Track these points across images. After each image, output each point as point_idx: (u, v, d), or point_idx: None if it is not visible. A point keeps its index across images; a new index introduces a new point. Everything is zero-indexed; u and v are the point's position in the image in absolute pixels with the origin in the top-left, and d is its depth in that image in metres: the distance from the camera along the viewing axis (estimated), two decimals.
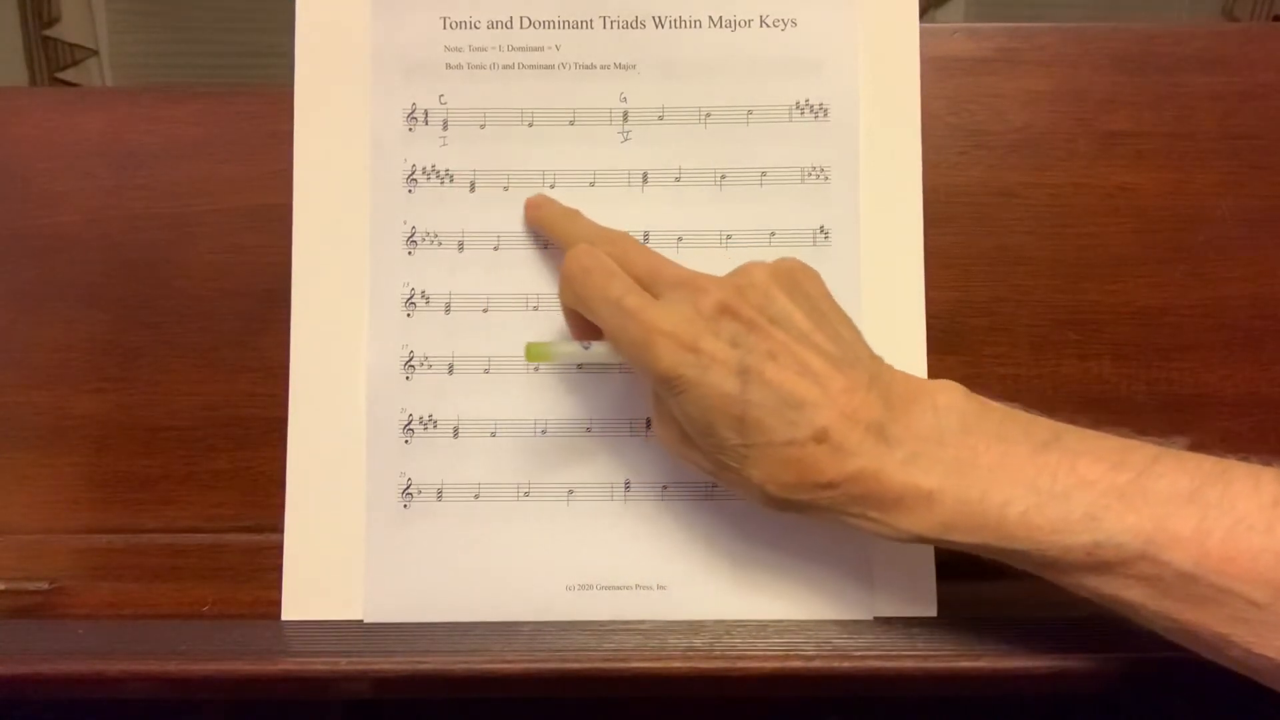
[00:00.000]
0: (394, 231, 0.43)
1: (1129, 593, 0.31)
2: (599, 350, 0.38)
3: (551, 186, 0.42)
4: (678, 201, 0.42)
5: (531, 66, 0.43)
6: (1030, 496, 0.32)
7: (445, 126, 0.43)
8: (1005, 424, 0.34)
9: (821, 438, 0.33)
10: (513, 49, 0.43)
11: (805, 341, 0.34)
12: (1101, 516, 0.31)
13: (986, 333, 0.44)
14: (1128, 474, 0.32)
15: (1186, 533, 0.30)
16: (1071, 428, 0.34)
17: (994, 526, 0.32)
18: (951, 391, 0.34)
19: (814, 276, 0.37)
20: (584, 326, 0.39)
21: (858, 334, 0.37)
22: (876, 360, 0.36)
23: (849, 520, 0.34)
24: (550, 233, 0.42)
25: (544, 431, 0.42)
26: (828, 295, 0.37)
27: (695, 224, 0.42)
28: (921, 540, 0.33)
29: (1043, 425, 0.34)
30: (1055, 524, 0.31)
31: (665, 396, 0.35)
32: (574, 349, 0.38)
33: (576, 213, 0.42)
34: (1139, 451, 0.32)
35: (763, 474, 0.34)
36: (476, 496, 0.42)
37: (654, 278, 0.37)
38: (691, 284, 0.36)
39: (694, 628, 0.40)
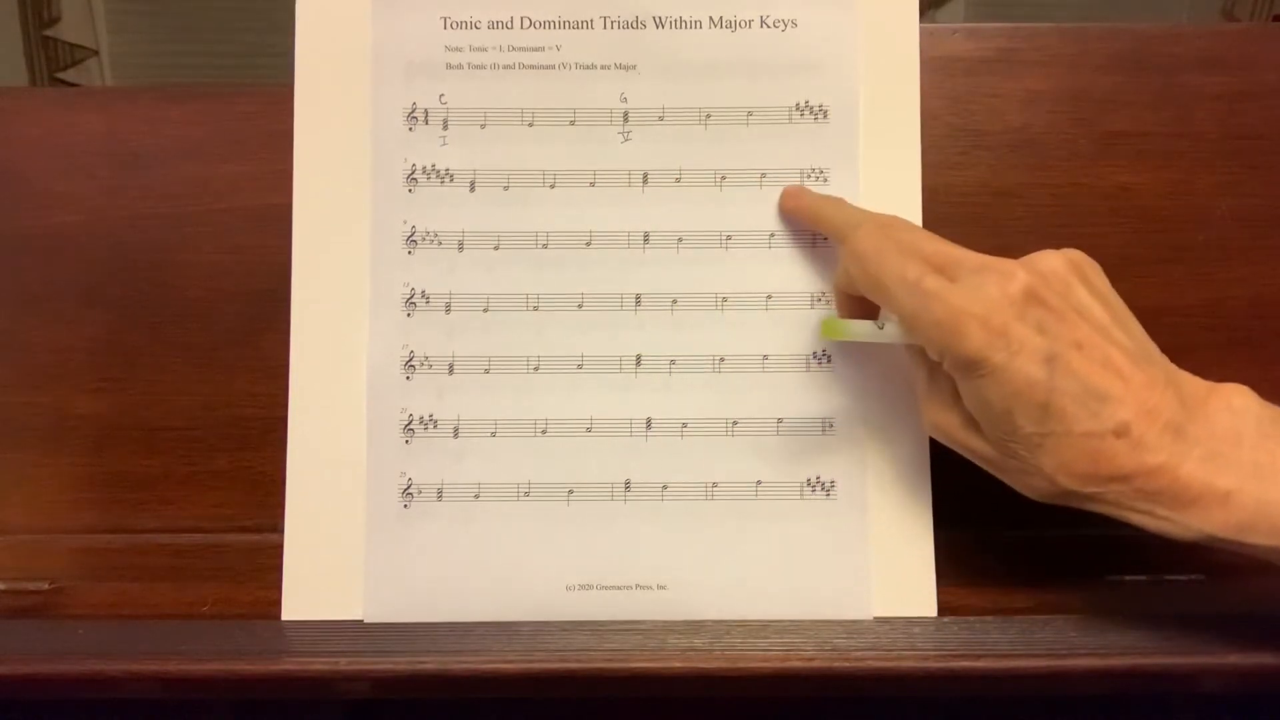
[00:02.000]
0: (394, 231, 0.43)
1: None
2: (892, 330, 0.38)
3: (551, 186, 0.42)
4: (678, 202, 0.42)
5: (531, 66, 0.43)
6: None
7: (445, 126, 0.43)
8: None
9: (1122, 431, 0.33)
10: (513, 49, 0.43)
11: (1106, 334, 0.34)
12: None
13: None
14: None
15: None
16: None
17: None
18: (1245, 395, 0.34)
19: (1099, 269, 0.37)
20: (856, 309, 0.39)
21: (1145, 332, 0.37)
22: (1165, 359, 0.36)
23: (1133, 516, 0.34)
24: (815, 220, 0.41)
25: (544, 431, 0.42)
26: (1113, 290, 0.37)
27: (695, 224, 0.42)
28: (1211, 540, 0.33)
29: None
30: None
31: (962, 379, 0.35)
32: (869, 328, 0.38)
33: (842, 199, 0.41)
34: None
35: (1055, 463, 0.34)
36: (476, 496, 0.42)
37: (948, 261, 0.36)
38: (995, 268, 0.35)
39: (694, 628, 0.40)
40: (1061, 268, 0.35)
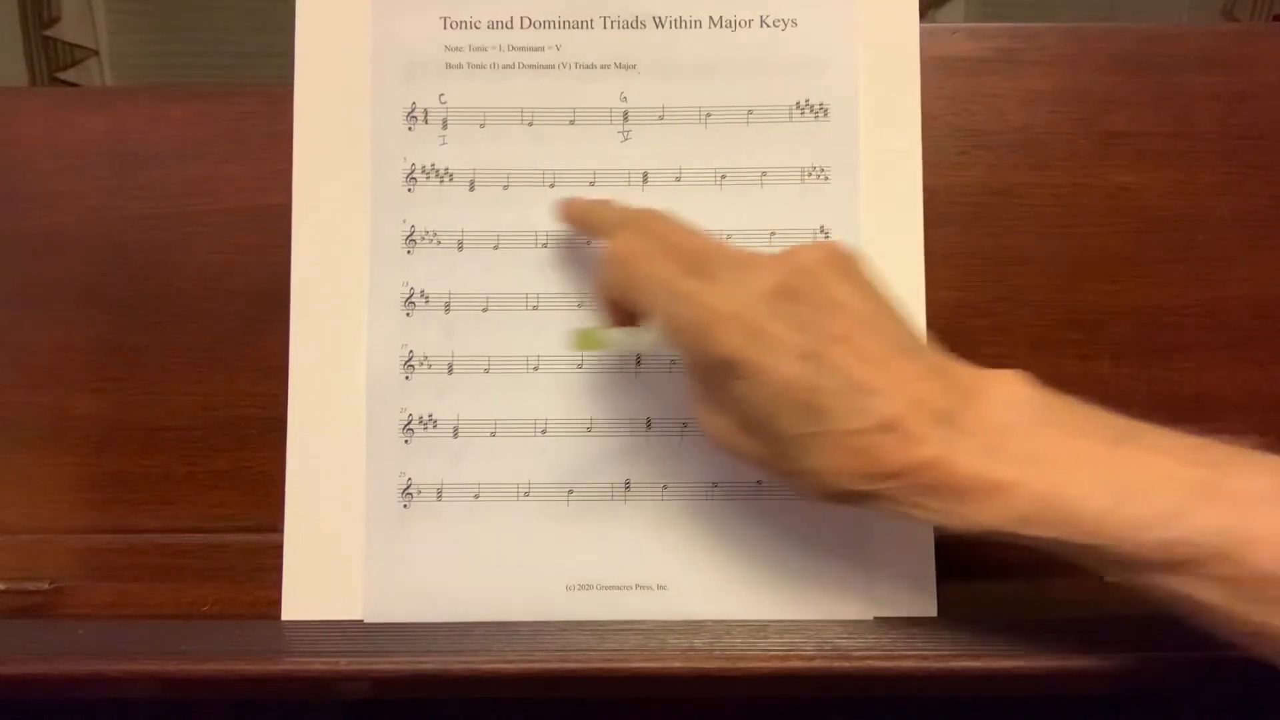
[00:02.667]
0: (394, 231, 0.43)
1: (1205, 594, 0.30)
2: (649, 336, 0.36)
3: (551, 186, 0.42)
4: (678, 201, 0.42)
5: (531, 66, 0.43)
6: (1106, 492, 0.31)
7: (445, 126, 0.43)
8: (1078, 417, 0.33)
9: (890, 426, 0.32)
10: (513, 49, 0.43)
11: (867, 327, 0.33)
12: (1180, 514, 0.30)
13: (986, 333, 0.44)
14: (1205, 471, 0.31)
15: (1267, 532, 0.30)
16: (1145, 424, 0.33)
17: (1069, 521, 0.31)
18: (1021, 382, 0.33)
19: (861, 261, 0.36)
20: (621, 316, 0.38)
21: (912, 321, 0.36)
22: (934, 348, 0.35)
23: (912, 512, 0.33)
24: (586, 225, 0.41)
25: (544, 431, 0.42)
26: (877, 282, 0.36)
27: (695, 224, 0.42)
28: (990, 534, 0.32)
29: (1117, 420, 0.33)
30: (1133, 520, 0.31)
31: (725, 383, 0.34)
32: (625, 336, 0.37)
33: (608, 200, 0.41)
34: (1215, 450, 0.32)
35: (825, 464, 0.33)
36: (476, 496, 0.42)
37: (702, 257, 0.35)
38: (749, 265, 0.34)
39: (694, 628, 0.40)
40: (816, 262, 0.34)
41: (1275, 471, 0.31)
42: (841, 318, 0.33)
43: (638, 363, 0.42)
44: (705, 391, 0.36)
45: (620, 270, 0.36)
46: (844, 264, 0.35)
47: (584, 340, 0.38)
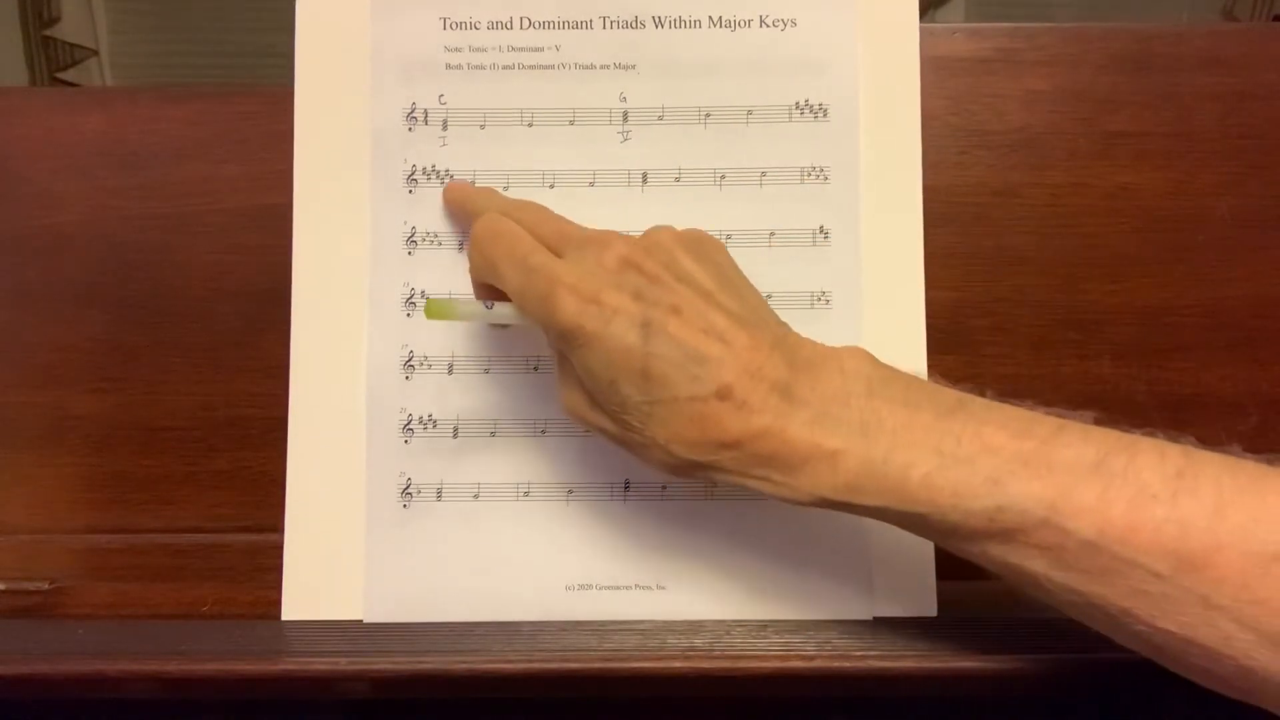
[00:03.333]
0: (394, 231, 0.43)
1: (1031, 562, 0.31)
2: (502, 310, 0.37)
3: (551, 186, 0.42)
4: (678, 201, 0.42)
5: (531, 66, 0.43)
6: (933, 459, 0.32)
7: (445, 126, 0.43)
8: (911, 390, 0.34)
9: (725, 394, 0.32)
10: (513, 49, 0.43)
11: (709, 300, 0.34)
12: (1004, 482, 0.31)
13: (986, 333, 0.44)
14: (1032, 442, 0.31)
15: (1090, 501, 0.30)
16: (977, 398, 0.34)
17: (896, 489, 0.32)
18: (858, 357, 0.34)
19: (720, 246, 0.37)
20: (494, 296, 0.38)
21: (763, 301, 0.36)
22: (783, 325, 0.36)
23: (751, 484, 0.33)
24: (464, 210, 0.42)
25: (544, 431, 0.42)
26: (733, 264, 0.36)
27: (695, 224, 0.42)
28: (824, 503, 0.33)
29: (948, 393, 0.34)
30: (957, 488, 0.31)
31: (568, 352, 0.35)
32: (477, 307, 0.38)
33: (491, 189, 0.42)
34: (1044, 422, 0.32)
35: (666, 432, 0.33)
36: (476, 496, 0.42)
37: (562, 239, 0.37)
38: (597, 240, 0.35)
39: (694, 628, 0.40)
40: (668, 239, 0.35)
41: (1102, 442, 0.31)
42: (683, 289, 0.34)
43: None
44: (561, 365, 0.37)
45: (482, 248, 0.37)
46: (698, 243, 0.36)
47: (436, 309, 0.38)
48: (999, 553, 0.32)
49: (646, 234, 0.36)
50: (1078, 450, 0.31)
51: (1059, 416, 0.33)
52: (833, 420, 0.32)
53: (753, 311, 0.35)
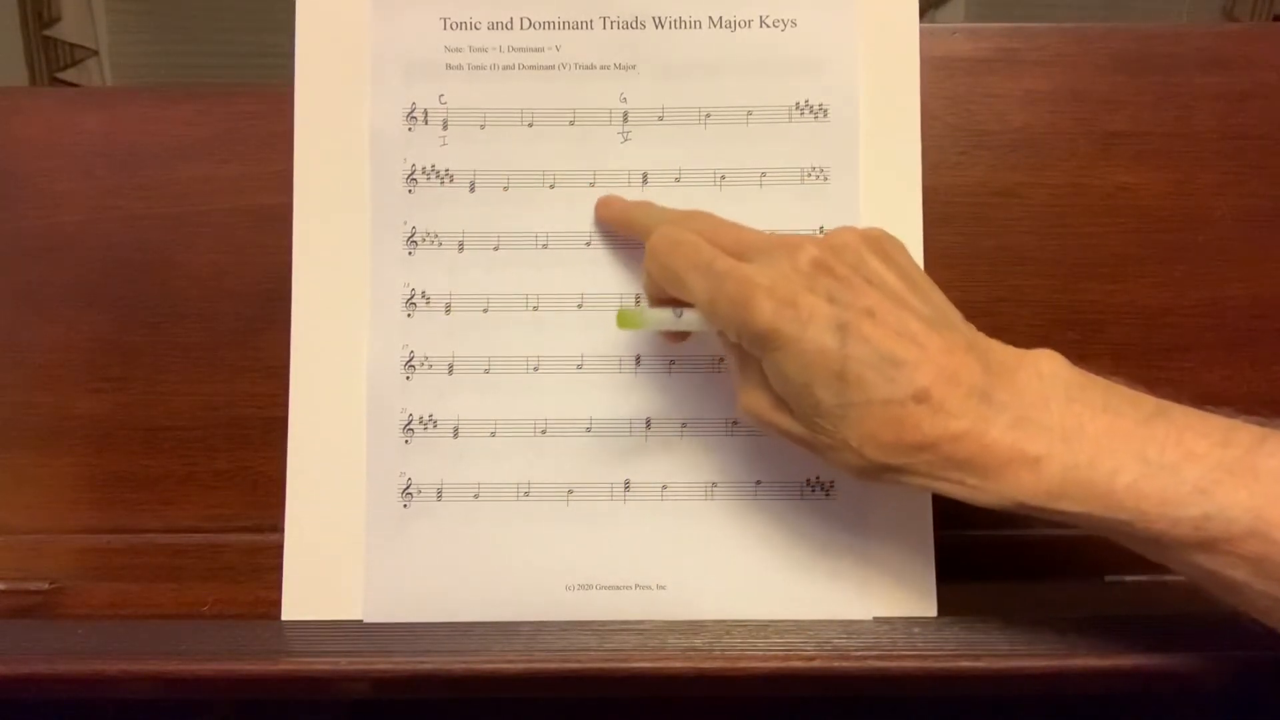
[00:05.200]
0: (394, 231, 0.43)
1: (1234, 571, 0.31)
2: (690, 317, 0.37)
3: (551, 187, 0.42)
4: (678, 202, 0.42)
5: (531, 67, 0.43)
6: (1139, 466, 0.31)
7: (445, 126, 0.43)
8: (1110, 395, 0.33)
9: (922, 397, 0.32)
10: (513, 49, 0.43)
11: (900, 302, 0.34)
12: (1211, 490, 0.31)
13: (987, 332, 0.44)
14: (1236, 450, 0.31)
15: None
16: (1175, 404, 0.33)
17: (1102, 495, 0.31)
18: (1054, 360, 0.34)
19: (901, 245, 0.36)
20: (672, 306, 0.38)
21: (948, 302, 0.36)
22: (971, 328, 0.36)
23: (945, 487, 0.33)
24: (627, 225, 0.42)
25: (544, 431, 0.42)
26: (915, 264, 0.36)
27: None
28: (1022, 508, 0.32)
29: (1147, 399, 0.33)
30: (1164, 495, 0.31)
31: (761, 355, 0.35)
32: (666, 315, 0.38)
33: (649, 202, 0.42)
34: (1245, 430, 0.32)
35: (860, 435, 0.33)
36: (476, 496, 0.42)
37: (743, 245, 0.36)
38: (785, 244, 0.35)
39: (694, 628, 0.40)
40: (854, 240, 0.35)
41: None
42: (875, 292, 0.34)
43: (637, 363, 0.42)
44: (744, 368, 0.36)
45: (663, 259, 0.37)
46: (882, 243, 0.36)
47: (626, 319, 0.38)
48: (1201, 560, 0.31)
49: (832, 235, 0.36)
50: None
51: (1258, 425, 0.32)
52: (1033, 425, 0.32)
53: (942, 314, 0.35)
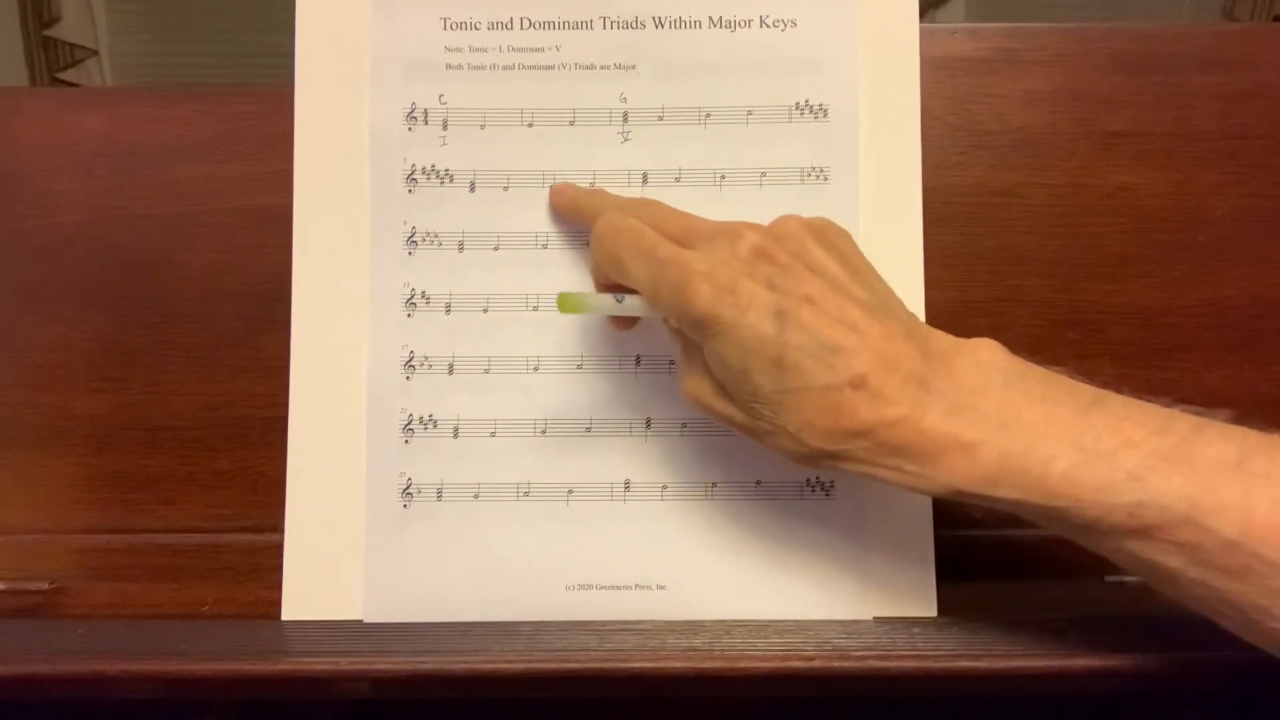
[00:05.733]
0: (394, 231, 0.43)
1: (1169, 559, 0.31)
2: (632, 302, 0.37)
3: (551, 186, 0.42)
4: (678, 202, 0.42)
5: (531, 67, 0.43)
6: (1075, 453, 0.31)
7: (445, 126, 0.43)
8: (1048, 384, 0.33)
9: (859, 384, 0.32)
10: (513, 49, 0.43)
11: (840, 289, 0.34)
12: (1146, 478, 0.31)
13: (986, 333, 0.44)
14: (1172, 439, 0.31)
15: (1231, 500, 0.30)
16: (1113, 394, 0.33)
17: (1036, 482, 0.32)
18: (993, 349, 0.34)
19: (846, 235, 0.37)
20: (617, 292, 0.39)
21: (891, 291, 0.36)
22: (913, 316, 0.36)
23: (882, 474, 0.33)
24: (576, 212, 0.42)
25: (544, 431, 0.42)
26: (860, 253, 0.37)
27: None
28: (958, 495, 0.33)
29: (1085, 389, 0.33)
30: (1099, 482, 0.31)
31: (701, 340, 0.35)
32: (608, 300, 0.38)
33: (601, 190, 0.42)
34: (1183, 419, 0.32)
35: (798, 421, 0.33)
36: (476, 496, 0.42)
37: (687, 233, 0.37)
38: (727, 231, 0.35)
39: (694, 628, 0.40)
40: (797, 228, 0.35)
41: (1241, 441, 0.31)
42: (815, 279, 0.34)
43: (637, 363, 0.42)
44: (686, 354, 0.37)
45: (606, 245, 0.37)
46: (826, 232, 0.36)
47: (567, 303, 0.38)
48: (1135, 548, 0.31)
49: (775, 223, 0.36)
50: (1219, 448, 0.31)
51: (1195, 414, 0.32)
52: (970, 412, 0.32)
53: (883, 302, 0.35)
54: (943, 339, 0.35)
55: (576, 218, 0.42)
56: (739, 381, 0.34)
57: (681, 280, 0.34)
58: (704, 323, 0.34)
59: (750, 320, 0.33)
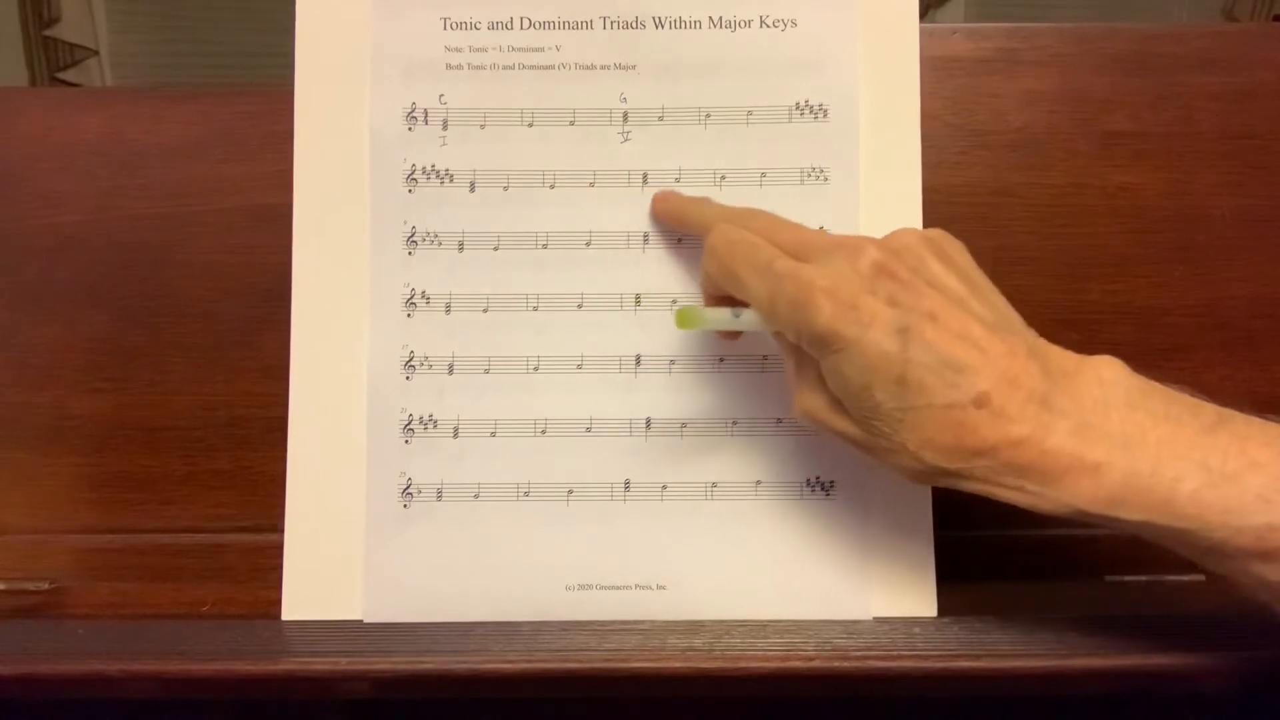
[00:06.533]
0: (394, 231, 0.43)
1: None
2: (748, 317, 0.37)
3: (551, 187, 0.42)
4: None
5: (531, 67, 0.43)
6: (1201, 475, 0.31)
7: (445, 126, 0.43)
8: (1170, 402, 0.33)
9: (982, 402, 0.32)
10: (513, 49, 0.43)
11: (962, 305, 0.34)
12: (1275, 500, 0.30)
13: None
14: None
15: None
16: (1235, 413, 0.33)
17: (1162, 504, 0.31)
18: (1114, 366, 0.34)
19: (961, 247, 0.36)
20: (728, 305, 0.38)
21: (1008, 305, 0.36)
22: (1031, 331, 0.35)
23: (1003, 492, 0.33)
24: (682, 221, 0.41)
25: (544, 431, 0.42)
26: (975, 266, 0.36)
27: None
28: (1081, 515, 0.32)
29: (1208, 408, 0.33)
30: (1227, 504, 0.31)
31: (820, 357, 0.34)
32: (724, 315, 0.37)
33: (707, 199, 0.41)
34: None
35: (918, 439, 0.33)
36: (476, 496, 0.42)
37: (802, 246, 0.36)
38: (845, 245, 0.35)
39: (694, 628, 0.40)
40: (915, 242, 0.35)
41: None
42: (936, 295, 0.34)
43: (637, 363, 0.42)
44: (800, 369, 0.36)
45: (721, 258, 0.37)
46: (942, 245, 0.35)
47: (685, 319, 0.38)
48: (1263, 571, 0.31)
49: (892, 237, 0.35)
50: None
51: None
52: (1094, 431, 0.32)
53: (1003, 318, 0.35)
54: (1063, 355, 0.34)
55: (683, 226, 0.42)
56: (858, 398, 0.34)
57: (801, 296, 0.34)
58: (825, 339, 0.33)
59: (873, 337, 0.33)
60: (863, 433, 0.34)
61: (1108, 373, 0.33)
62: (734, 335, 0.41)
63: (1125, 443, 0.32)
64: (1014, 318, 0.35)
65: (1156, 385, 0.34)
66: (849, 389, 0.34)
